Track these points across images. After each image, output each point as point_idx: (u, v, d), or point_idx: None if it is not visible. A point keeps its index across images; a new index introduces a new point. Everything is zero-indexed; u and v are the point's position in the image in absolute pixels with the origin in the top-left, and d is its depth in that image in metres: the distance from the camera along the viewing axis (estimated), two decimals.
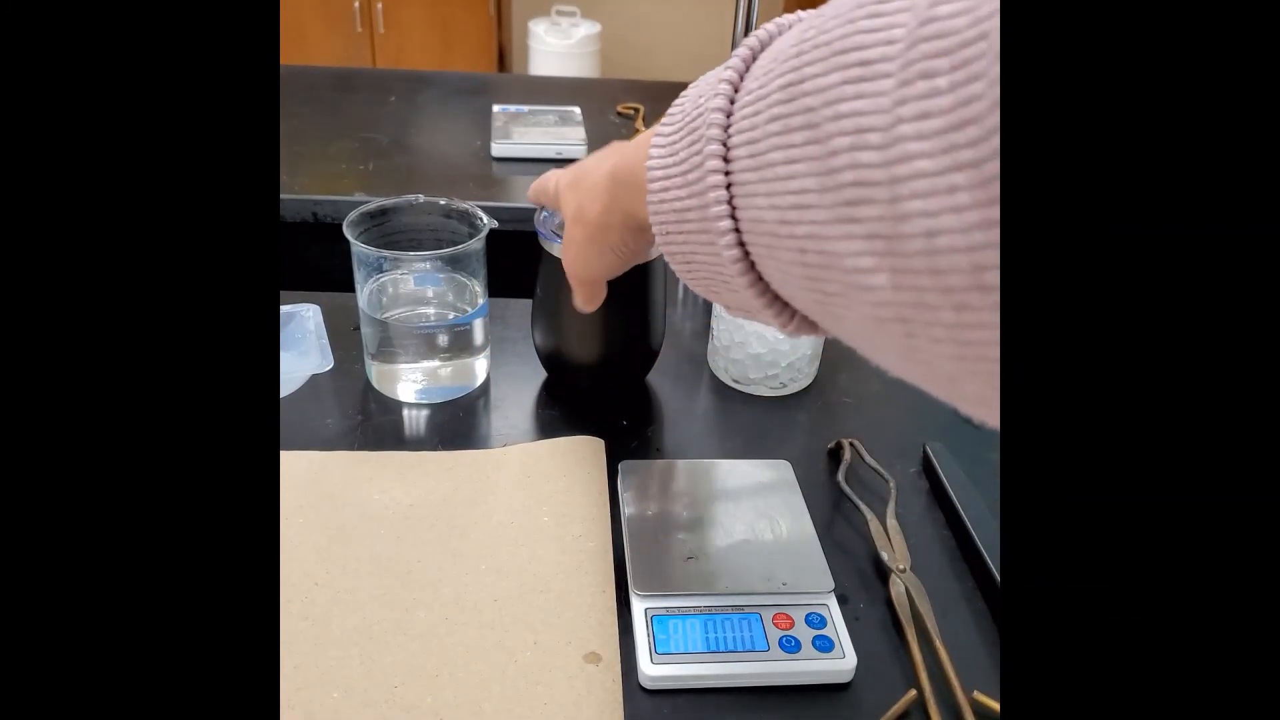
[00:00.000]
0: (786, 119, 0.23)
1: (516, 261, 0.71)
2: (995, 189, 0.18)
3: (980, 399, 0.21)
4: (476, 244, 0.55)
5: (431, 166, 0.89)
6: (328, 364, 0.55)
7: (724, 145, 0.27)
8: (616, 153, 0.40)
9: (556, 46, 2.69)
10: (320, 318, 0.58)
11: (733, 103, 0.27)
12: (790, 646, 0.41)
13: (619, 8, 2.87)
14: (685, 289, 0.64)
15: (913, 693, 0.40)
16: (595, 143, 0.92)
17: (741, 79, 0.27)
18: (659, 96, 1.06)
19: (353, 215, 0.54)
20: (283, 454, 0.50)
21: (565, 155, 0.90)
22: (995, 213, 0.18)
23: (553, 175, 0.47)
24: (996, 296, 0.18)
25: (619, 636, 0.41)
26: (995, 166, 0.18)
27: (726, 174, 0.27)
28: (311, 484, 0.49)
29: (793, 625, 0.41)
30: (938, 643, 0.42)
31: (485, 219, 0.56)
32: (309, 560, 0.44)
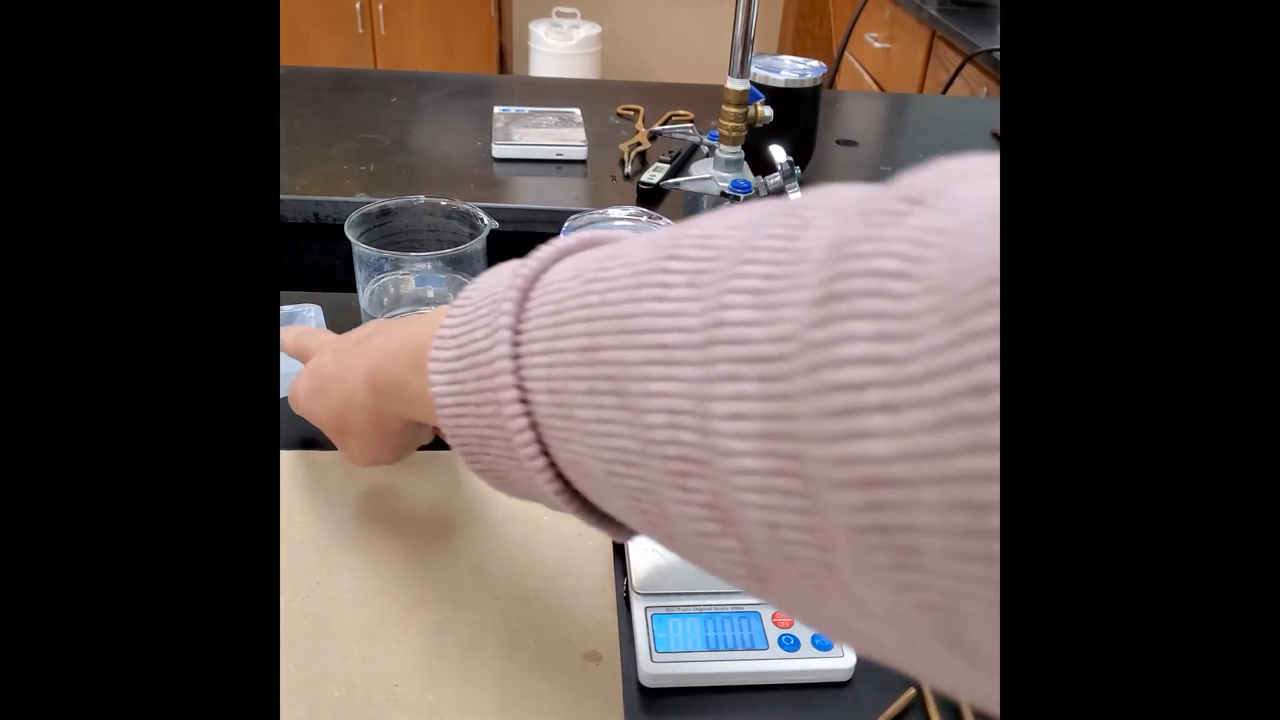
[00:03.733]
0: (591, 381, 0.23)
1: None
2: None
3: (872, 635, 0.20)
4: (477, 244, 0.55)
5: (432, 167, 0.89)
6: None
7: (519, 389, 0.26)
8: (359, 356, 0.37)
9: (557, 48, 2.69)
10: (321, 317, 0.58)
11: (516, 345, 0.26)
12: (790, 645, 0.41)
13: (619, 9, 2.87)
14: None
15: (912, 691, 0.40)
16: (595, 143, 0.92)
17: (518, 321, 0.27)
18: (659, 98, 1.07)
19: (354, 216, 0.54)
20: (283, 454, 0.50)
21: (566, 156, 0.90)
22: None
23: (296, 344, 0.45)
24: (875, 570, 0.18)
25: (619, 635, 0.41)
26: None
27: (528, 414, 0.26)
28: (311, 484, 0.49)
29: (792, 623, 0.42)
30: None
31: (486, 219, 0.56)
32: (309, 560, 0.44)
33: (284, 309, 0.60)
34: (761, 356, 0.19)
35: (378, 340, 0.37)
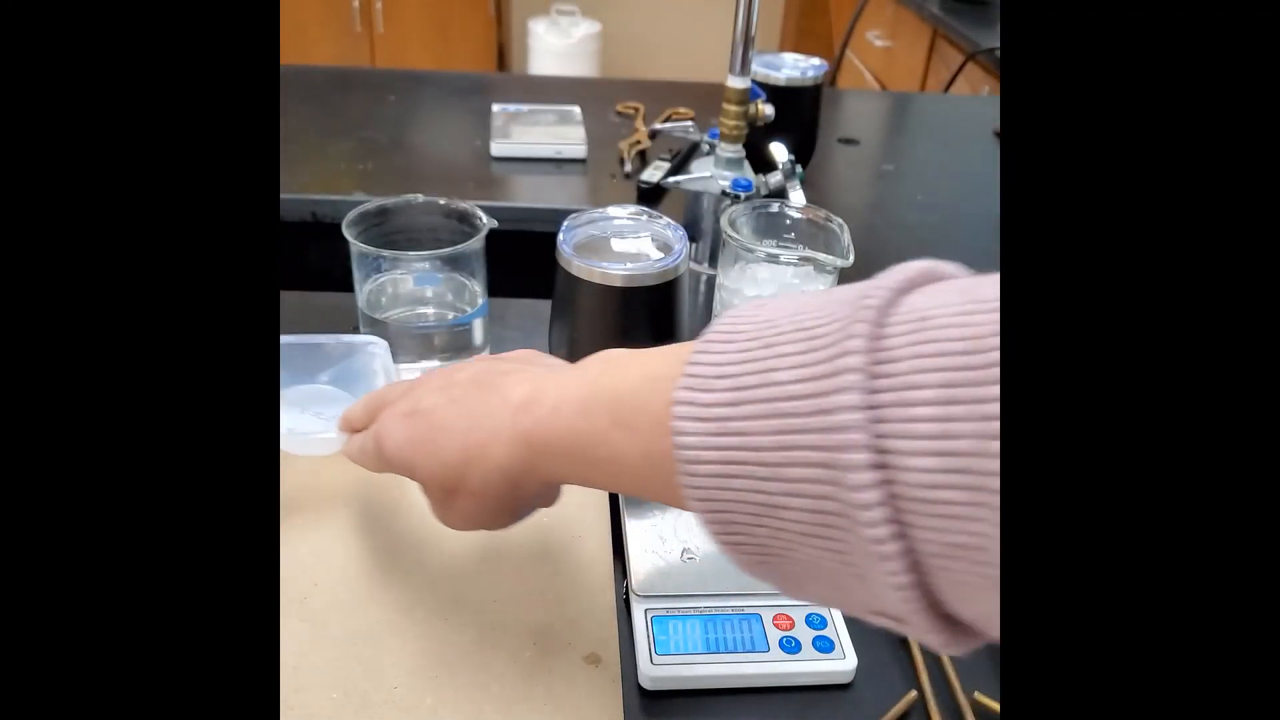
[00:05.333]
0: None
1: (516, 261, 0.71)
2: None
3: None
4: (476, 244, 0.55)
5: (431, 166, 0.89)
6: None
7: (873, 451, 0.21)
8: (501, 408, 0.32)
9: (556, 46, 2.69)
10: (388, 353, 0.53)
11: (873, 393, 0.21)
12: (791, 647, 0.40)
13: (619, 7, 2.86)
14: (694, 302, 0.64)
15: (913, 693, 0.40)
16: (595, 141, 0.92)
17: (872, 362, 0.21)
18: (659, 96, 1.06)
19: (352, 215, 0.54)
20: (283, 454, 0.50)
21: (565, 154, 0.89)
22: None
23: (367, 411, 0.38)
24: None
25: (619, 637, 0.41)
26: None
27: (886, 483, 0.21)
28: (311, 484, 0.49)
29: (793, 626, 0.41)
30: None
31: (485, 218, 0.56)
32: (308, 561, 0.44)
33: (342, 339, 0.54)
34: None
35: (527, 389, 0.31)
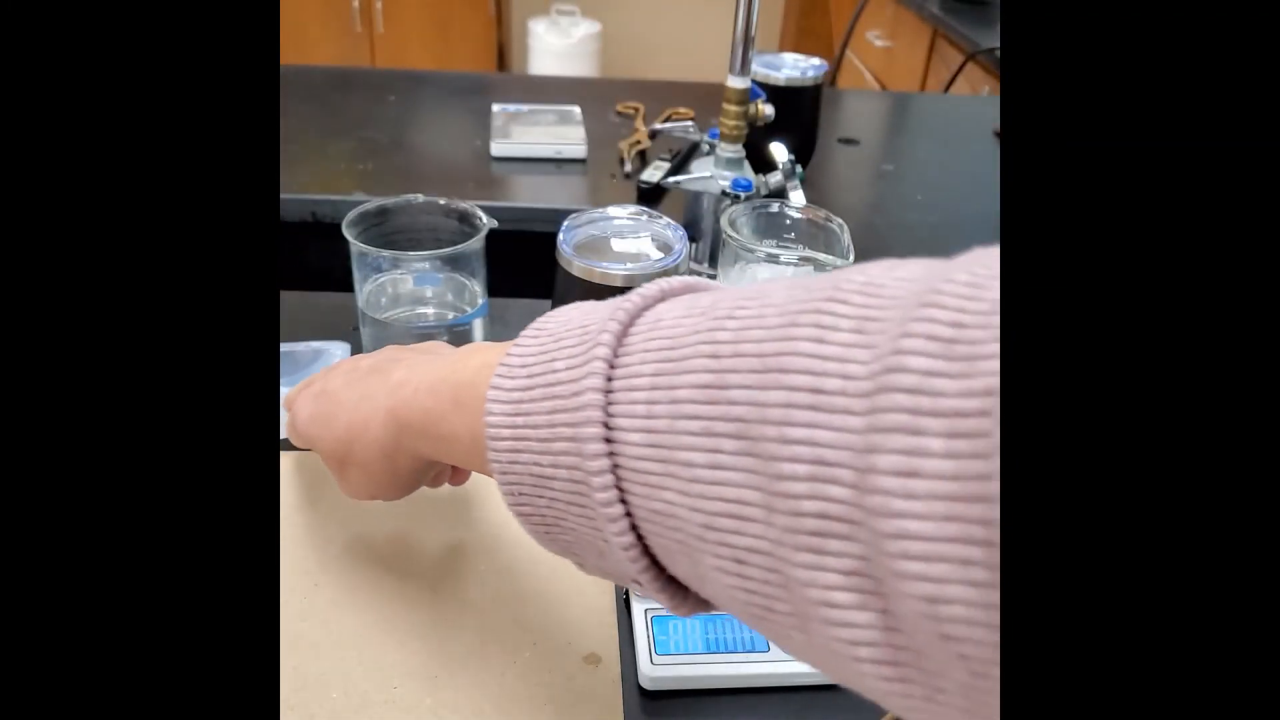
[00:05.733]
0: (709, 421, 0.22)
1: (516, 261, 0.71)
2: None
3: None
4: (476, 244, 0.55)
5: (431, 166, 0.89)
6: None
7: (604, 425, 0.24)
8: (379, 387, 0.35)
9: (556, 45, 2.69)
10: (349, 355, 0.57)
11: (609, 380, 0.25)
12: None
13: (619, 6, 2.86)
14: None
15: None
16: (595, 141, 0.92)
17: (614, 354, 0.25)
18: (659, 96, 1.06)
19: (352, 215, 0.54)
20: (283, 454, 0.50)
21: (565, 154, 0.89)
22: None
23: (291, 400, 0.42)
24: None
25: (619, 637, 0.41)
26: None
27: (610, 455, 0.24)
28: (311, 484, 0.49)
29: None
30: None
31: (485, 218, 0.56)
32: (308, 561, 0.44)
33: (310, 345, 0.58)
34: (953, 411, 0.17)
35: (402, 373, 0.35)
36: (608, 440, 0.24)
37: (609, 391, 0.25)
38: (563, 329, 0.27)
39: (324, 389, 0.39)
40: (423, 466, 0.36)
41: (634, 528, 0.25)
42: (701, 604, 0.27)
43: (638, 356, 0.24)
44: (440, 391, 0.32)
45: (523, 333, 0.29)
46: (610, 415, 0.24)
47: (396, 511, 0.47)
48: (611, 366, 0.25)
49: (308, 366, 0.56)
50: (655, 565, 0.26)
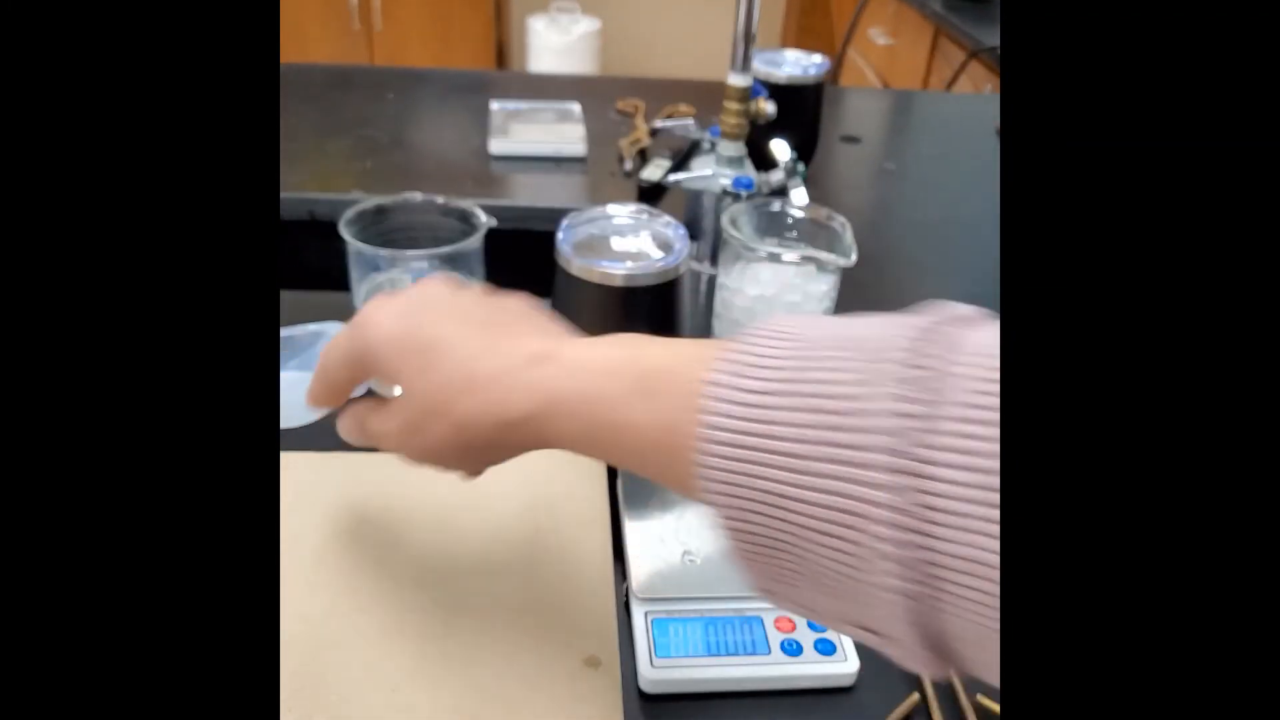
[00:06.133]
0: None
1: (515, 260, 0.70)
2: None
3: None
4: (475, 242, 0.54)
5: (429, 164, 0.89)
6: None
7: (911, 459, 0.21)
8: (515, 349, 0.31)
9: (556, 43, 2.69)
10: None
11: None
12: (792, 649, 0.40)
13: (619, 4, 2.86)
14: (694, 302, 0.63)
15: (915, 696, 0.40)
16: (595, 139, 0.91)
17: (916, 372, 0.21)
18: (660, 93, 1.06)
19: (350, 213, 0.54)
20: (283, 454, 0.50)
21: (564, 153, 0.89)
22: None
23: (345, 339, 0.35)
24: None
25: (619, 640, 0.41)
26: None
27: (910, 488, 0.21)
28: (311, 485, 0.48)
29: (795, 628, 0.41)
30: None
31: (483, 217, 0.55)
32: (308, 562, 0.44)
33: (308, 328, 0.57)
34: None
35: (540, 342, 0.31)
36: (907, 473, 0.21)
37: (912, 416, 0.21)
38: (814, 334, 0.24)
39: (413, 312, 0.33)
40: (525, 448, 0.32)
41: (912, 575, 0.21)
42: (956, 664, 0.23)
43: (954, 382, 0.21)
44: (619, 373, 0.28)
45: (749, 332, 0.26)
46: (915, 445, 0.21)
47: (396, 513, 0.47)
48: (914, 387, 0.22)
49: (307, 349, 0.56)
50: (919, 620, 0.22)
